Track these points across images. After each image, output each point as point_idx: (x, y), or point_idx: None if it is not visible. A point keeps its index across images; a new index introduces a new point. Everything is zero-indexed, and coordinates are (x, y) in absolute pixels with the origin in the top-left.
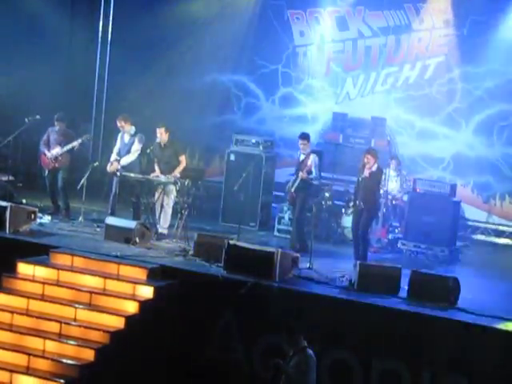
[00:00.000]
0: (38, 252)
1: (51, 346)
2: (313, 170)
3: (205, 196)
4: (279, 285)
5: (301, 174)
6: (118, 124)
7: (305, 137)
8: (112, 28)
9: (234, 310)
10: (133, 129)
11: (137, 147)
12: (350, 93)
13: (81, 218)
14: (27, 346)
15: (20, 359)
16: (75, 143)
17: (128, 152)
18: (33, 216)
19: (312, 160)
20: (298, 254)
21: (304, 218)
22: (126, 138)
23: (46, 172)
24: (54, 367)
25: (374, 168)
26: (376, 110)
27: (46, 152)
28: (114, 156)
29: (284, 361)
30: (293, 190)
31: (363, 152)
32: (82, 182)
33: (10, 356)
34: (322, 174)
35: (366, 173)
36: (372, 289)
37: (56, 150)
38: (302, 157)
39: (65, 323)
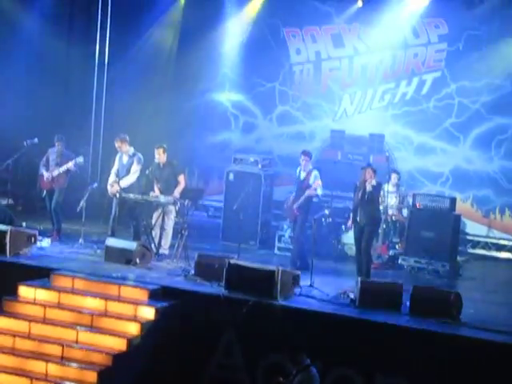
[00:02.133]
0: (39, 275)
1: (54, 369)
2: (318, 187)
3: (204, 215)
4: (281, 303)
5: (308, 191)
6: (116, 145)
7: (307, 153)
8: (109, 49)
9: (236, 329)
10: (131, 150)
11: (136, 168)
12: (347, 110)
13: (81, 240)
14: (30, 370)
15: (23, 383)
16: (69, 164)
17: (127, 173)
18: (33, 239)
19: (314, 177)
20: (299, 272)
21: (305, 236)
22: (125, 159)
23: (44, 193)
24: None
25: (374, 182)
26: (374, 126)
27: (44, 173)
28: (112, 177)
29: (287, 379)
30: (295, 206)
31: (363, 168)
32: (82, 203)
33: (12, 380)
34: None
35: (369, 187)
36: (374, 305)
37: (54, 172)
38: (303, 174)
39: (67, 346)
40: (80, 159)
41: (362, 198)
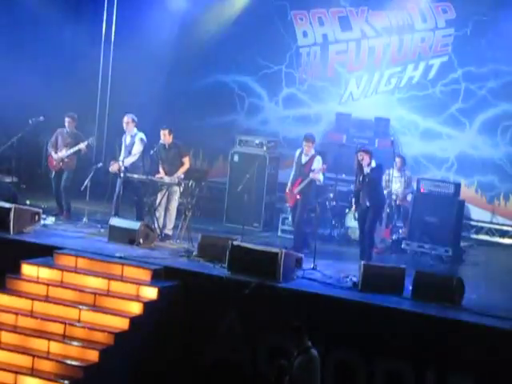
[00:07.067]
0: (42, 253)
1: (55, 347)
2: (320, 172)
3: (208, 197)
4: (283, 285)
5: (312, 174)
6: (127, 123)
7: (309, 138)
8: (115, 29)
9: (238, 310)
10: (134, 130)
11: (138, 148)
12: (353, 93)
13: (85, 219)
14: (31, 348)
15: (24, 360)
16: (81, 145)
17: (129, 153)
18: (37, 217)
19: (318, 162)
20: (302, 255)
21: (305, 220)
22: (128, 139)
23: (53, 173)
24: (59, 368)
25: (374, 164)
26: (379, 110)
27: (53, 153)
28: (121, 157)
29: (288, 361)
30: (296, 191)
31: (356, 152)
32: (86, 183)
33: (14, 357)
34: (326, 174)
35: (367, 169)
36: (376, 289)
37: (63, 152)
38: (305, 158)
39: (69, 324)
40: (92, 141)
41: (362, 181)
